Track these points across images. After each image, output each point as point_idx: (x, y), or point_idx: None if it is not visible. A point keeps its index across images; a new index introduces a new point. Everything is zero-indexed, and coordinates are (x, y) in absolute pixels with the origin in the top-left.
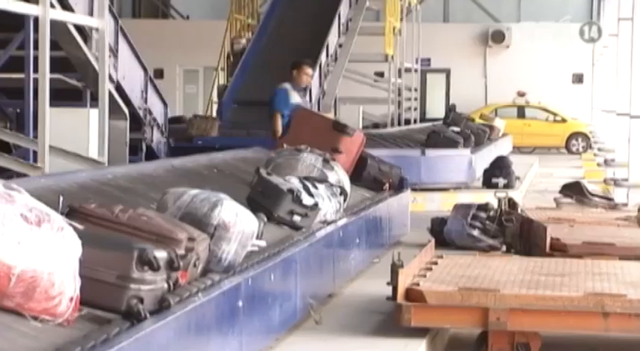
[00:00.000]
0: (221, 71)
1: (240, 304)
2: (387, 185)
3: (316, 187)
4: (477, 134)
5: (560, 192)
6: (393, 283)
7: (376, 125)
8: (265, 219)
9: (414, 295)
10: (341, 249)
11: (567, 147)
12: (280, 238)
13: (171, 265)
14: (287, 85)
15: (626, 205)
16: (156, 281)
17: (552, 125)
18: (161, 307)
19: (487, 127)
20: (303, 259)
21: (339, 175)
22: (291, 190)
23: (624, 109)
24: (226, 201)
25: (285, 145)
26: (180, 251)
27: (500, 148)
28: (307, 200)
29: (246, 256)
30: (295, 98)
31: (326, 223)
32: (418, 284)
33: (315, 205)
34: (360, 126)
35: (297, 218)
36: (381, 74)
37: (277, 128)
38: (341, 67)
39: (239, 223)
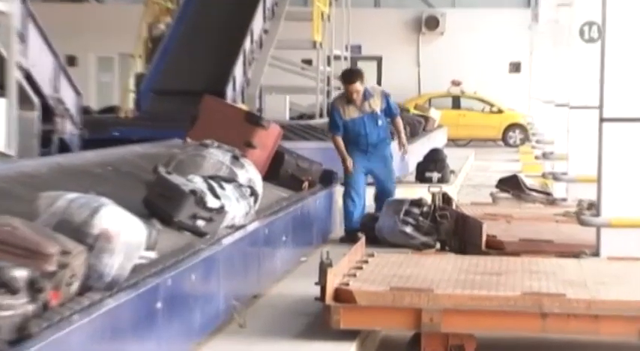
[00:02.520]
0: (138, 58)
1: (139, 318)
2: (307, 184)
3: (223, 188)
4: (412, 125)
5: (497, 186)
6: (322, 282)
7: (303, 116)
8: (159, 226)
9: (343, 295)
10: (266, 248)
11: (504, 139)
12: (181, 247)
13: (33, 286)
14: (337, 101)
15: (565, 200)
16: (14, 306)
17: (488, 116)
18: (22, 336)
19: (422, 118)
20: (227, 259)
21: (249, 173)
22: (193, 192)
23: (563, 100)
24: (109, 206)
25: (189, 140)
26: (51, 267)
27: (435, 140)
28: (212, 203)
29: (133, 270)
30: (351, 113)
31: (234, 227)
32: (348, 284)
33: (222, 207)
34: (287, 117)
35: (200, 223)
36: (308, 62)
37: (340, 153)
38: (266, 54)
39: (124, 233)
